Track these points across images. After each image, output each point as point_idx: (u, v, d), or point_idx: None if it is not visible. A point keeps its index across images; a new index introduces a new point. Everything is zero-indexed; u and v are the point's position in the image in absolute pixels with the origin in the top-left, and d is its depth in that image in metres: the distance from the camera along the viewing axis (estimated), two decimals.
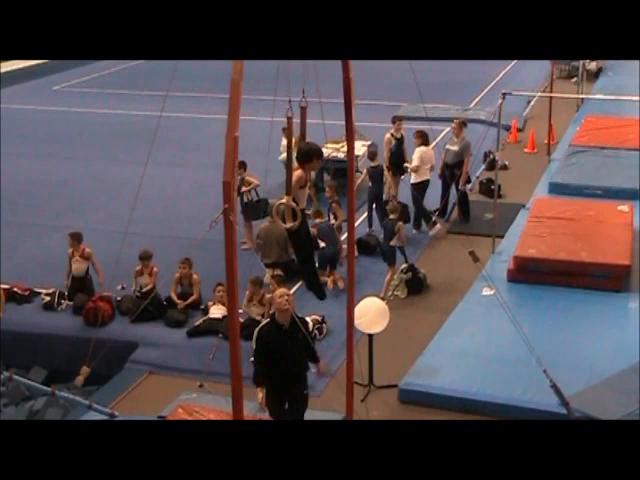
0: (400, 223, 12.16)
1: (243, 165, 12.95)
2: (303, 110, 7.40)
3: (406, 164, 14.16)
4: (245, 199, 13.46)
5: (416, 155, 13.93)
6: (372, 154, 14.33)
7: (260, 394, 7.93)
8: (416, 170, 13.87)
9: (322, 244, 12.20)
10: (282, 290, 7.98)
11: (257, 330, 7.97)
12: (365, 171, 14.36)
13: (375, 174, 14.15)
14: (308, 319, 10.67)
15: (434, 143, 15.82)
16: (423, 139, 14.11)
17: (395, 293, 11.91)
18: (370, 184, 14.20)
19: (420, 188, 13.83)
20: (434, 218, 13.95)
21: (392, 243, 12.07)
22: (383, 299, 11.48)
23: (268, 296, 10.58)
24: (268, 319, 8.08)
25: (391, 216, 12.28)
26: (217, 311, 10.98)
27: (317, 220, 12.29)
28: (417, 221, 14.20)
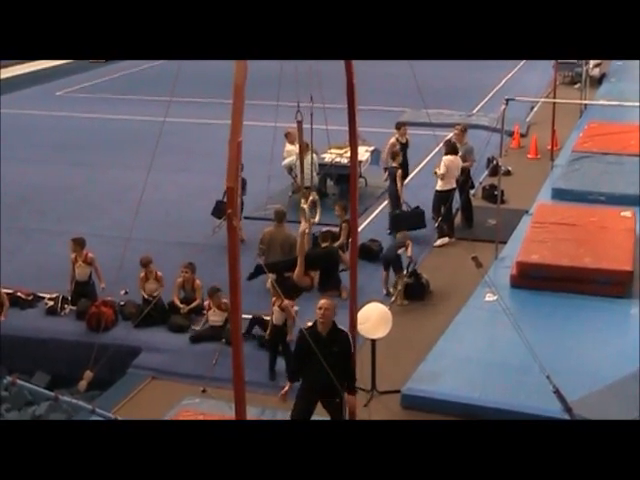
0: (409, 242, 12.24)
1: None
2: (299, 124, 7.45)
3: (435, 169, 14.16)
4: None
5: (442, 163, 13.91)
6: (394, 154, 14.62)
7: (287, 388, 8.31)
8: (442, 177, 13.86)
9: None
10: (322, 301, 8.05)
11: (300, 330, 8.30)
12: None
13: (392, 174, 14.29)
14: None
15: (436, 149, 15.88)
16: (451, 148, 14.10)
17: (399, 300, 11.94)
18: (389, 182, 14.53)
19: (446, 196, 13.82)
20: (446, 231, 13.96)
21: (399, 252, 12.14)
22: (389, 294, 11.74)
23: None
24: (312, 323, 8.21)
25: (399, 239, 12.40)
26: (216, 317, 10.94)
27: (323, 244, 12.31)
28: (441, 229, 13.99)
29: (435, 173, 14.15)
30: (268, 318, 10.63)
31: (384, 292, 12.03)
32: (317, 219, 10.52)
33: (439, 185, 13.94)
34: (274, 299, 10.39)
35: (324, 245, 12.29)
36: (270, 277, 10.67)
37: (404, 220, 14.11)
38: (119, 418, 9.07)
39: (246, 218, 13.70)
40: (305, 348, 7.95)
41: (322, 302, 8.02)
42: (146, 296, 11.49)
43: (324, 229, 12.50)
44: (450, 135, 15.39)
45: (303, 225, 10.95)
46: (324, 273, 12.11)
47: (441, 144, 15.39)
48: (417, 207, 14.15)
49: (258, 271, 10.73)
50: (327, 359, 7.61)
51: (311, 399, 8.23)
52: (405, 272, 12.10)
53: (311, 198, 10.24)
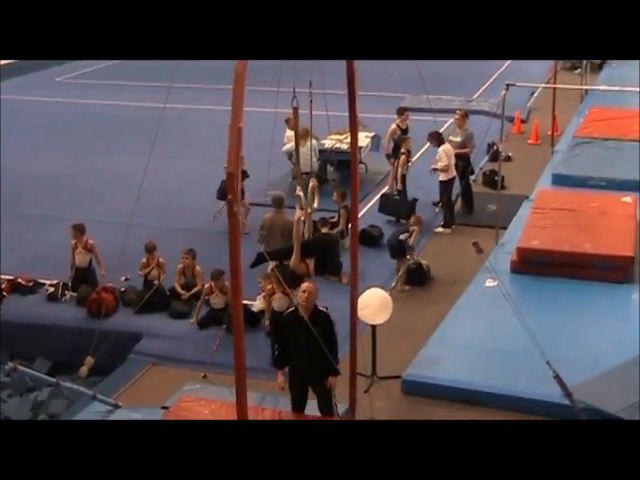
0: (416, 228, 12.20)
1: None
2: (295, 111, 7.46)
3: (433, 166, 14.10)
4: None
5: (442, 155, 13.86)
6: (402, 140, 14.63)
7: (280, 378, 8.31)
8: (446, 169, 13.84)
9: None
10: (305, 285, 8.16)
11: (280, 317, 8.44)
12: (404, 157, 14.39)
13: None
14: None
15: None
16: (439, 139, 14.06)
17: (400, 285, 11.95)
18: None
19: (448, 186, 13.79)
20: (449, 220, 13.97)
21: (401, 237, 12.12)
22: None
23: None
24: (293, 307, 8.25)
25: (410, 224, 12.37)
26: (217, 300, 10.92)
27: (323, 229, 12.30)
28: (445, 217, 14.07)
29: (433, 170, 14.06)
30: (250, 303, 10.66)
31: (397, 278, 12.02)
32: (316, 205, 10.57)
33: (442, 176, 13.91)
34: (269, 287, 10.38)
35: (323, 231, 12.32)
36: (271, 265, 10.70)
37: (391, 205, 14.13)
38: (120, 404, 9.11)
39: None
40: (287, 332, 8.12)
41: (305, 285, 8.14)
42: (145, 277, 11.53)
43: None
44: (451, 120, 15.35)
45: (298, 213, 10.99)
46: (320, 259, 12.09)
47: (443, 129, 15.38)
48: (414, 199, 14.09)
49: (259, 259, 10.74)
50: (310, 341, 7.66)
51: (300, 384, 8.30)
52: (407, 258, 12.09)
53: (311, 185, 10.28)
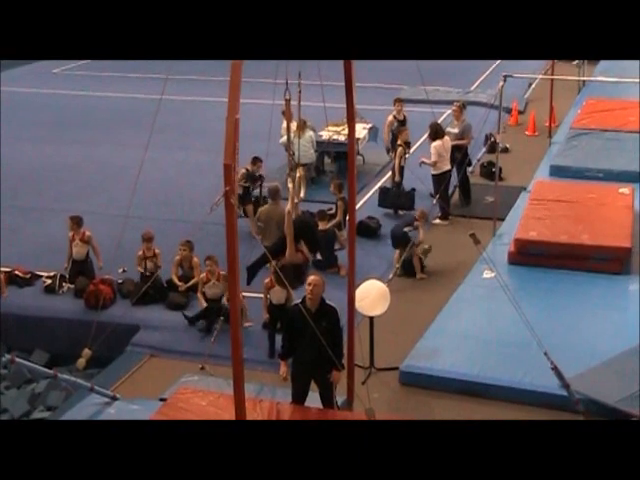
0: (420, 224, 12.22)
1: (259, 160, 13.05)
2: (287, 102, 7.45)
3: (423, 159, 14.09)
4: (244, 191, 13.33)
5: (432, 150, 13.86)
6: (399, 131, 14.65)
7: (283, 368, 8.42)
8: (434, 165, 13.82)
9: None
10: (311, 278, 8.13)
11: (289, 309, 8.49)
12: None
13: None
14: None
15: None
16: (436, 132, 14.03)
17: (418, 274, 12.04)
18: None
19: (441, 179, 13.78)
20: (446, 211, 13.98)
21: (406, 230, 12.13)
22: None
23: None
24: (301, 299, 8.23)
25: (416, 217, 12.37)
26: (215, 290, 10.87)
27: (321, 222, 12.27)
28: (443, 210, 14.08)
29: (422, 163, 14.03)
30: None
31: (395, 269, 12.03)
32: (302, 195, 10.51)
33: (433, 170, 13.91)
34: (267, 281, 10.35)
35: (320, 224, 12.26)
36: (272, 264, 10.66)
37: (391, 197, 14.12)
38: (118, 396, 9.12)
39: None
40: (295, 325, 8.09)
41: (311, 278, 8.10)
42: (143, 271, 11.49)
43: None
44: (449, 111, 15.33)
45: (289, 204, 10.95)
46: (308, 240, 11.92)
47: (440, 120, 15.34)
48: (413, 189, 14.08)
49: (251, 273, 10.74)
50: (315, 335, 7.66)
51: (304, 377, 8.31)
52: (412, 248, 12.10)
53: (298, 175, 10.25)
